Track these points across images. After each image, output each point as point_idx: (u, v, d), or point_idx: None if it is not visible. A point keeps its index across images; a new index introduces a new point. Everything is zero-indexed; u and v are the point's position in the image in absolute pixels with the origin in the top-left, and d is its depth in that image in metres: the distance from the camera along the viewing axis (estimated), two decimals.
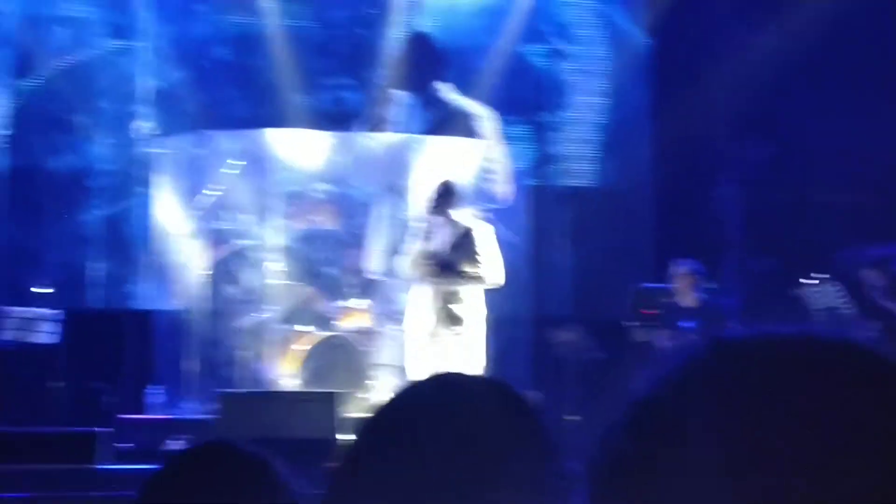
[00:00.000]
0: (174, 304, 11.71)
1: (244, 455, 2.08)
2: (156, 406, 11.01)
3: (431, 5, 13.27)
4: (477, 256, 9.67)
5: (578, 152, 13.50)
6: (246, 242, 11.60)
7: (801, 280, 10.47)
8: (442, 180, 10.01)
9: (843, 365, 0.97)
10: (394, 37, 13.07)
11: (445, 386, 1.69)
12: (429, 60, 13.03)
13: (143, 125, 12.59)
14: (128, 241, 12.51)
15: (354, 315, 11.18)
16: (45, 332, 10.77)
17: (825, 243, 11.26)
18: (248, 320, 11.24)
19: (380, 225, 11.90)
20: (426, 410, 1.61)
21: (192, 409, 10.75)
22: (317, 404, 9.47)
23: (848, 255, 10.69)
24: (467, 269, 9.66)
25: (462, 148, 12.03)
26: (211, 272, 11.37)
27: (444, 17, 13.24)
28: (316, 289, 11.51)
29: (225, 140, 11.66)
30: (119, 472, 8.52)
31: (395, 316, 11.01)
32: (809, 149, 12.95)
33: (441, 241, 9.74)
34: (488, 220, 10.55)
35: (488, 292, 9.89)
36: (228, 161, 11.35)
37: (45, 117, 12.59)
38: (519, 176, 12.92)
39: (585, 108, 13.53)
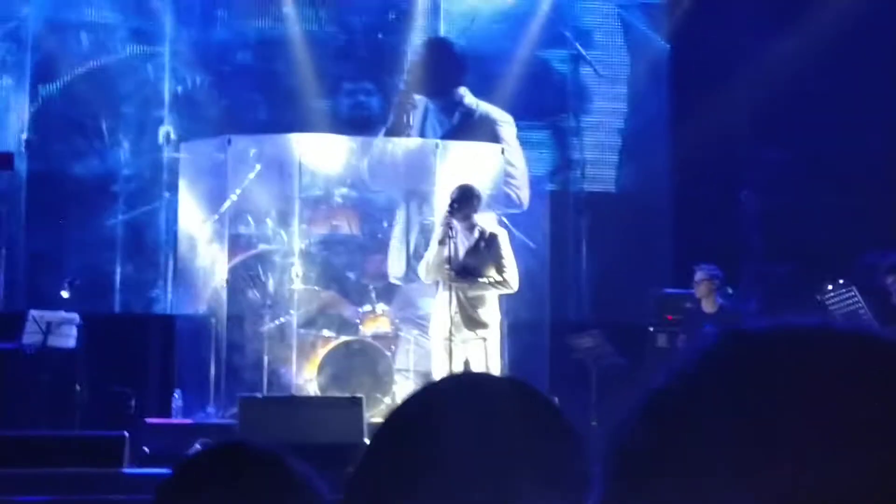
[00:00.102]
0: (197, 308, 11.74)
1: (259, 455, 2.06)
2: (180, 410, 11.05)
3: (452, 10, 13.29)
4: (497, 261, 9.69)
5: (598, 157, 13.51)
6: (267, 247, 11.62)
7: (821, 285, 10.48)
8: (461, 185, 10.03)
9: (858, 357, 0.95)
10: (415, 42, 13.10)
11: (465, 384, 1.68)
12: (449, 65, 13.06)
13: (166, 130, 12.65)
14: (151, 245, 12.56)
15: (375, 320, 11.20)
16: (69, 336, 10.81)
17: (845, 248, 11.26)
18: (269, 325, 11.27)
19: (400, 229, 11.92)
20: (446, 408, 1.58)
21: (217, 414, 10.79)
22: (345, 409, 9.47)
23: (867, 260, 10.69)
24: (487, 273, 9.68)
25: (482, 153, 12.04)
26: (233, 277, 11.41)
27: (464, 23, 13.27)
28: (337, 293, 11.53)
29: (246, 144, 11.68)
30: (145, 476, 8.57)
31: (415, 320, 11.04)
32: (828, 154, 12.94)
33: (461, 245, 9.76)
34: (506, 225, 10.58)
35: (505, 297, 9.91)
36: (251, 165, 11.39)
37: (67, 122, 12.63)
38: (538, 181, 12.94)
39: (605, 114, 13.54)
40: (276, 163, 11.56)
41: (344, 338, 10.96)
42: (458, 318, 9.63)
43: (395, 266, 11.75)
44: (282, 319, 11.23)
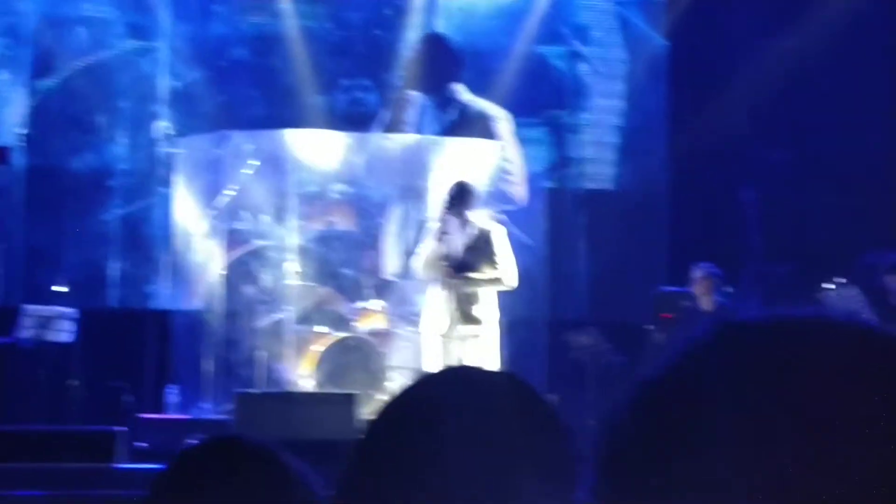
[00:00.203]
0: (192, 303, 11.74)
1: (254, 450, 2.07)
2: (174, 406, 11.03)
3: (449, 6, 13.28)
4: (493, 258, 9.67)
5: (596, 155, 13.49)
6: (263, 243, 11.61)
7: (821, 284, 10.46)
8: (458, 181, 10.01)
9: (851, 347, 0.94)
10: (411, 38, 13.08)
11: (458, 378, 1.68)
12: (446, 62, 13.04)
13: (162, 125, 12.62)
14: (146, 240, 12.54)
15: (371, 316, 11.19)
16: (64, 331, 10.80)
17: (845, 248, 11.24)
18: (265, 321, 11.26)
19: (396, 226, 11.91)
20: (439, 402, 1.59)
21: (212, 409, 10.77)
22: (339, 406, 9.47)
23: (868, 259, 10.67)
24: (483, 270, 9.66)
25: (478, 149, 12.03)
26: (228, 272, 11.39)
27: (461, 19, 13.25)
28: (333, 289, 11.51)
29: (243, 140, 11.67)
30: (137, 472, 8.55)
31: (411, 317, 11.02)
32: (828, 152, 12.93)
33: (457, 242, 9.74)
34: (504, 222, 10.55)
35: (503, 295, 9.88)
36: (247, 161, 11.38)
37: (63, 117, 12.63)
38: (536, 178, 12.92)
39: (603, 111, 13.52)
40: (272, 159, 11.56)
41: (340, 334, 10.95)
42: (454, 314, 9.61)
43: (391, 262, 11.74)
44: (278, 315, 11.22)
